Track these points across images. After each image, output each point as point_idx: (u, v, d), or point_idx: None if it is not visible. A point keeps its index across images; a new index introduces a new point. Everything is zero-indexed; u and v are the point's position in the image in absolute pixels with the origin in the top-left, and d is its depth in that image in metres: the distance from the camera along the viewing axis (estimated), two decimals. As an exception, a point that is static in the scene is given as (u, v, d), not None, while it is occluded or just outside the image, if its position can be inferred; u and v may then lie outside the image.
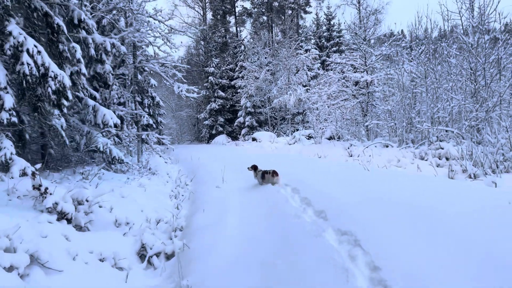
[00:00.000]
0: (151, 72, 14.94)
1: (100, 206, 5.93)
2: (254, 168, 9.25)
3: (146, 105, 22.73)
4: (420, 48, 14.04)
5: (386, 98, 15.55)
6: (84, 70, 7.53)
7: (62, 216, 4.70)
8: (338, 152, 15.31)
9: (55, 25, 6.62)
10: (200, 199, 8.22)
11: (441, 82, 12.99)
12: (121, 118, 14.03)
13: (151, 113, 23.16)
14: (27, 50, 5.86)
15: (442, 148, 11.34)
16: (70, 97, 6.42)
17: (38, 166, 5.34)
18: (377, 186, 6.59)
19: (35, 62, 5.96)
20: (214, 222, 6.08)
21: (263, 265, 3.98)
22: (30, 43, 5.95)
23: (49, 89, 6.02)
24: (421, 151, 11.66)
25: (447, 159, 10.70)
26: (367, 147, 14.43)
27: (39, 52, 6.02)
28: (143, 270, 4.85)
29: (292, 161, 13.63)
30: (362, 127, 17.28)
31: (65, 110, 7.65)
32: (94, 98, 11.64)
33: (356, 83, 17.84)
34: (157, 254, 5.11)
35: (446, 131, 12.56)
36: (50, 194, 4.79)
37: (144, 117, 21.97)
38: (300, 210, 5.94)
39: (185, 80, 14.18)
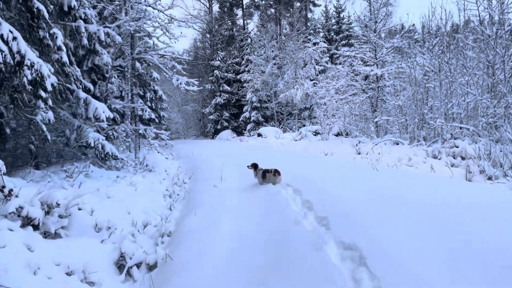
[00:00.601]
0: (150, 64, 14.35)
1: (79, 209, 5.38)
2: (254, 166, 8.65)
3: (148, 99, 22.20)
4: (434, 41, 13.26)
5: (397, 93, 14.81)
6: (65, 58, 6.95)
7: (27, 222, 4.14)
8: (345, 149, 14.63)
9: (34, 10, 6.04)
10: (195, 200, 7.64)
11: (455, 76, 12.22)
12: (118, 112, 13.50)
13: (154, 107, 22.64)
14: (1, 36, 5.29)
15: (457, 147, 10.62)
16: (49, 87, 5.85)
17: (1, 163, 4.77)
18: (387, 188, 5.94)
19: (10, 49, 5.39)
20: (206, 227, 5.49)
21: (251, 285, 3.38)
22: (5, 28, 5.38)
23: (25, 79, 5.45)
24: (434, 150, 10.95)
25: (462, 158, 9.99)
26: (376, 144, 13.74)
27: (14, 38, 5.46)
28: (121, 283, 4.28)
29: (297, 158, 12.99)
30: (371, 123, 16.56)
31: (50, 103, 7.11)
32: (88, 91, 11.11)
33: (366, 77, 17.12)
34: (138, 265, 4.54)
35: (461, 128, 11.83)
36: (16, 196, 4.22)
37: (146, 111, 21.49)
38: (300, 215, 5.32)
39: (184, 73, 13.59)
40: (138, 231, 5.76)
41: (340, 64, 17.97)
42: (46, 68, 5.66)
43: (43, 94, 5.76)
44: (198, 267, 4.11)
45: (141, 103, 21.57)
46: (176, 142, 30.97)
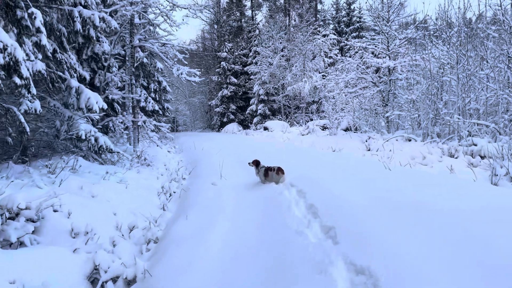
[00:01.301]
0: (152, 53, 13.70)
1: (54, 211, 4.77)
2: (256, 163, 8.01)
3: (152, 90, 21.64)
4: (452, 31, 12.42)
5: (410, 87, 14.01)
6: (45, 41, 6.31)
7: (-17, 229, 3.54)
8: (354, 145, 13.91)
9: (11, -14, 5.41)
10: (190, 199, 7.03)
11: (474, 69, 11.41)
12: (118, 103, 12.91)
13: (157, 99, 22.06)
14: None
15: (475, 145, 9.87)
16: (26, 74, 5.23)
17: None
18: (403, 193, 5.25)
19: (-21, 30, 4.77)
20: (197, 232, 4.87)
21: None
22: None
23: (-4, 64, 4.83)
24: (450, 148, 10.20)
25: (482, 157, 9.25)
26: (387, 141, 13.00)
27: (-15, 17, 4.83)
28: (92, 301, 3.69)
29: (303, 154, 12.31)
30: (382, 118, 15.78)
31: (33, 91, 6.52)
32: (84, 80, 10.53)
33: (377, 70, 16.32)
34: (114, 279, 3.93)
35: (479, 125, 11.05)
36: (-28, 198, 3.62)
37: (149, 102, 20.92)
38: (304, 222, 4.67)
39: (186, 62, 12.91)
40: (123, 235, 5.17)
41: (350, 57, 17.17)
42: (21, 52, 5.03)
43: (18, 81, 5.14)
44: (180, 285, 3.49)
45: (144, 94, 21.01)
46: (182, 135, 30.45)
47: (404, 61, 14.11)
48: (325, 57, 28.27)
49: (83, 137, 8.33)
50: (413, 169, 8.16)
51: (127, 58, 13.39)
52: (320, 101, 25.42)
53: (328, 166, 8.88)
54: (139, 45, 11.48)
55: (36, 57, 7.23)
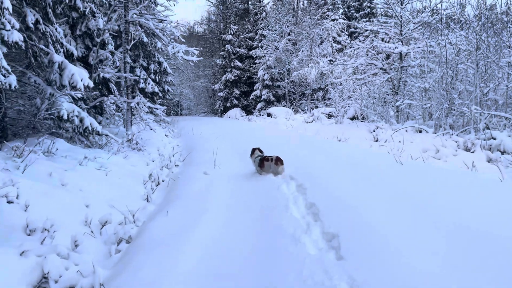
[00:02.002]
0: (147, 30, 12.84)
1: (9, 202, 4.07)
2: (252, 151, 7.27)
3: (152, 71, 20.80)
4: (470, 15, 11.48)
5: (423, 75, 13.11)
6: (7, 4, 5.52)
7: None
8: (361, 135, 13.12)
9: None
10: (178, 190, 6.30)
11: (496, 56, 10.51)
12: (111, 81, 12.11)
13: (157, 80, 21.25)
14: None
15: (494, 139, 9.06)
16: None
17: None
18: (420, 195, 4.49)
19: None
20: (175, 235, 4.15)
21: None
22: None
23: None
24: (466, 141, 9.38)
25: (502, 153, 8.44)
26: (396, 131, 12.18)
27: None
28: (37, 318, 2.99)
29: (306, 143, 11.54)
30: (391, 107, 14.91)
31: (3, 64, 5.81)
32: (71, 55, 9.77)
33: (387, 56, 15.37)
34: (68, 290, 3.22)
35: (496, 117, 10.21)
36: None
37: (149, 83, 20.12)
38: (302, 226, 3.93)
39: (183, 40, 12.07)
40: (92, 232, 4.45)
41: (360, 42, 16.19)
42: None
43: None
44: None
45: (144, 75, 20.21)
46: (183, 119, 29.72)
47: (418, 47, 13.18)
48: (333, 42, 27.23)
49: (65, 117, 7.59)
50: (426, 164, 7.36)
51: (123, 35, 12.54)
52: (326, 88, 24.51)
53: (332, 157, 8.11)
54: (133, 21, 10.64)
55: (12, 27, 6.48)
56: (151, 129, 10.85)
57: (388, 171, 6.17)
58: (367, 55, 14.50)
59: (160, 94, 21.32)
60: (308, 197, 4.83)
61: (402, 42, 14.09)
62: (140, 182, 6.99)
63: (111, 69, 11.02)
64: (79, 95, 7.80)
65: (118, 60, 13.23)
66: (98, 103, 11.30)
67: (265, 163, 6.83)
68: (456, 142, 9.56)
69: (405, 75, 14.17)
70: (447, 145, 9.55)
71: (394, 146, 10.55)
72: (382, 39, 15.11)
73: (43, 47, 8.13)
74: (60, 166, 5.64)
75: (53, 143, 6.61)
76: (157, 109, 11.22)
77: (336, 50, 26.74)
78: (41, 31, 8.34)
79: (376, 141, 12.18)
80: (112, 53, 12.06)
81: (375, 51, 14.28)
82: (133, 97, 19.69)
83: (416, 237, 3.18)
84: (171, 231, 4.20)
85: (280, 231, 3.80)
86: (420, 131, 12.22)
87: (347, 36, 28.89)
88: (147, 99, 20.10)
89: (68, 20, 12.60)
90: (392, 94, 14.68)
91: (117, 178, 6.55)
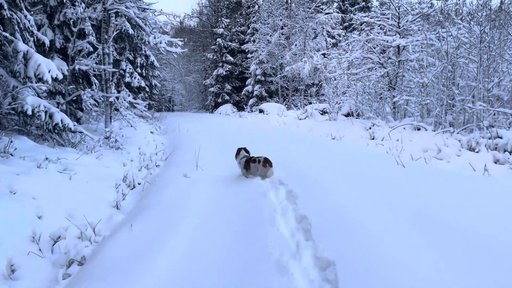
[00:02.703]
0: (127, 18, 11.99)
1: None
2: (238, 151, 6.56)
3: (139, 64, 19.94)
4: (473, 5, 10.81)
5: (422, 69, 12.44)
6: None
7: None
8: (357, 132, 12.44)
9: None
10: (151, 196, 5.56)
11: (501, 50, 9.86)
12: (95, 76, 11.30)
13: (144, 74, 20.40)
14: None
15: (501, 137, 8.42)
16: None
17: None
18: (432, 207, 3.79)
19: None
20: (138, 254, 3.42)
21: None
22: None
23: None
24: (470, 140, 8.73)
25: (510, 152, 7.79)
26: (393, 129, 11.52)
27: None
28: None
29: (299, 141, 10.83)
30: (388, 103, 14.25)
31: None
32: (42, 45, 8.96)
33: (383, 51, 14.66)
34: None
35: (500, 113, 9.59)
36: None
37: (135, 78, 19.27)
38: (291, 247, 3.22)
39: (166, 30, 11.27)
40: (40, 250, 3.71)
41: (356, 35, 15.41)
42: None
43: None
44: None
45: (130, 69, 19.34)
46: (172, 115, 28.87)
47: (417, 40, 12.49)
48: (328, 36, 26.50)
49: (29, 112, 6.79)
50: (430, 166, 6.69)
51: (102, 24, 11.69)
52: (320, 83, 23.81)
53: (327, 158, 7.41)
54: (111, 9, 9.81)
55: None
56: (131, 126, 10.05)
57: (390, 175, 5.48)
58: (363, 48, 13.79)
59: (147, 89, 20.49)
60: (299, 207, 4.12)
61: (399, 34, 13.40)
62: (111, 185, 6.23)
63: (93, 61, 10.20)
64: (44, 87, 6.96)
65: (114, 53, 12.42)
66: (76, 98, 10.49)
67: (252, 165, 6.12)
68: (459, 141, 8.91)
69: (402, 69, 13.49)
70: (449, 144, 8.90)
71: (393, 145, 9.89)
72: (381, 28, 14.36)
73: (8, 35, 7.31)
74: (12, 170, 4.87)
75: (11, 141, 5.81)
76: (138, 104, 10.42)
77: (331, 45, 26.02)
78: (5, 16, 7.52)
79: (373, 139, 11.52)
80: (90, 44, 11.23)
81: (372, 44, 13.57)
82: (119, 92, 18.87)
83: (446, 270, 2.48)
84: (133, 251, 3.46)
85: (264, 255, 3.08)
86: (419, 129, 11.57)
87: (341, 31, 28.18)
88: (133, 94, 19.28)
89: (45, 8, 11.77)
90: (389, 90, 14.01)
91: (84, 182, 5.79)
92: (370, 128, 12.48)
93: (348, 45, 14.80)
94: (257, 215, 4.09)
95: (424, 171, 5.84)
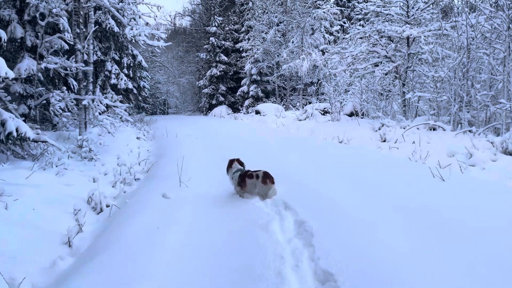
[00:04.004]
0: (111, 14, 10.64)
1: None
2: (230, 163, 5.24)
3: (125, 65, 18.55)
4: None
5: (435, 62, 11.15)
6: None
7: None
8: (364, 134, 11.15)
9: None
10: (114, 229, 4.21)
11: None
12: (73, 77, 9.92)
13: (131, 76, 19.01)
14: None
15: (542, 138, 7.12)
16: None
17: None
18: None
19: None
20: None
21: None
22: None
23: None
24: (504, 141, 7.42)
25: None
26: (407, 129, 10.24)
27: None
28: None
29: (302, 146, 9.51)
30: (397, 101, 12.94)
31: None
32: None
33: (388, 43, 13.32)
34: None
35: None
36: None
37: (121, 79, 17.88)
38: None
39: (148, 22, 9.89)
40: None
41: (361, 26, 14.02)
42: None
43: None
44: None
45: (116, 69, 17.95)
46: (164, 118, 27.47)
47: (429, 30, 11.21)
48: (326, 33, 25.21)
49: (-32, 119, 5.44)
50: (475, 178, 5.34)
51: (72, 16, 10.32)
52: (319, 82, 22.50)
53: (340, 168, 6.08)
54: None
55: None
56: (108, 132, 8.70)
57: (426, 193, 4.15)
58: (369, 41, 12.47)
59: (135, 91, 19.12)
60: (319, 255, 2.79)
61: (409, 24, 12.10)
62: (69, 211, 4.86)
63: (58, 58, 8.86)
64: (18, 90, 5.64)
65: (83, 51, 11.06)
66: (43, 101, 9.11)
67: (248, 181, 4.78)
68: (491, 142, 7.59)
69: (412, 63, 12.19)
70: (479, 146, 7.59)
71: (409, 148, 8.60)
72: (386, 19, 12.97)
73: None
74: None
75: None
76: (116, 107, 9.07)
77: (329, 42, 24.71)
78: None
79: (384, 141, 10.22)
80: (65, 41, 9.87)
81: (379, 35, 12.25)
82: (104, 94, 17.48)
83: None
84: None
85: None
86: (434, 129, 10.29)
87: (340, 26, 26.89)
88: (120, 96, 17.89)
89: (14, 2, 10.50)
90: (399, 86, 12.69)
91: (30, 209, 4.43)
92: (379, 129, 11.18)
93: (351, 39, 13.49)
94: (255, 266, 2.75)
95: (474, 186, 4.51)
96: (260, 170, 4.79)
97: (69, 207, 4.94)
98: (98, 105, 8.63)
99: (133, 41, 11.91)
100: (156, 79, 38.37)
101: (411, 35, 11.19)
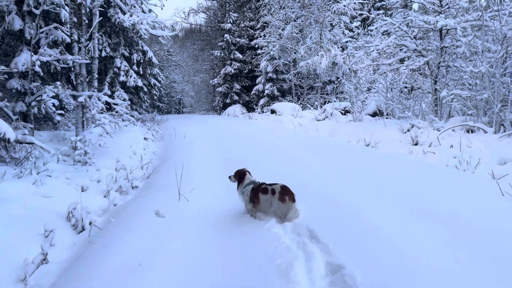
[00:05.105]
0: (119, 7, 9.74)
1: None
2: (239, 176, 4.20)
3: (135, 61, 17.72)
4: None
5: (473, 56, 9.92)
6: None
7: None
8: (392, 136, 10.01)
9: None
10: (89, 261, 3.22)
11: None
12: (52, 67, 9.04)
13: (141, 73, 18.17)
14: None
15: None
16: None
17: None
18: None
19: None
20: None
21: None
22: None
23: None
24: None
25: None
26: (442, 132, 9.07)
27: None
28: None
29: (322, 150, 8.43)
30: (427, 99, 11.72)
31: None
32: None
33: (415, 36, 12.09)
34: None
35: None
36: None
37: (131, 76, 17.06)
38: None
39: (151, 9, 8.94)
40: None
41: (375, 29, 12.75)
42: None
43: None
44: None
45: (125, 66, 17.14)
46: (177, 117, 26.61)
47: (467, 21, 9.98)
48: (345, 29, 23.96)
49: None
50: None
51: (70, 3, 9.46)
52: (338, 80, 21.30)
53: (375, 180, 4.98)
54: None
55: None
56: (107, 133, 7.77)
57: (500, 219, 3.05)
58: (396, 32, 11.28)
59: (145, 89, 18.28)
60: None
61: (442, 14, 10.87)
62: (39, 232, 3.91)
63: (53, 50, 7.99)
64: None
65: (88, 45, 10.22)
66: (37, 98, 8.23)
67: (262, 197, 3.76)
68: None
69: (447, 58, 10.96)
70: (537, 152, 6.40)
71: (448, 153, 7.44)
72: (407, 24, 11.73)
73: None
74: None
75: None
76: (117, 104, 8.14)
77: (349, 38, 23.46)
78: None
79: (416, 144, 9.06)
80: (59, 29, 9.00)
81: (408, 26, 11.05)
82: (113, 92, 16.67)
83: None
84: None
85: None
86: (472, 131, 9.08)
87: (360, 23, 25.58)
88: (129, 94, 17.07)
89: (12, -5, 9.68)
90: (432, 83, 11.46)
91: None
92: (409, 130, 10.01)
93: (377, 31, 12.31)
94: None
95: None
96: (277, 184, 3.75)
97: (41, 227, 3.98)
98: (96, 103, 7.71)
99: (135, 30, 10.97)
100: (171, 78, 37.76)
101: (446, 25, 9.96)
